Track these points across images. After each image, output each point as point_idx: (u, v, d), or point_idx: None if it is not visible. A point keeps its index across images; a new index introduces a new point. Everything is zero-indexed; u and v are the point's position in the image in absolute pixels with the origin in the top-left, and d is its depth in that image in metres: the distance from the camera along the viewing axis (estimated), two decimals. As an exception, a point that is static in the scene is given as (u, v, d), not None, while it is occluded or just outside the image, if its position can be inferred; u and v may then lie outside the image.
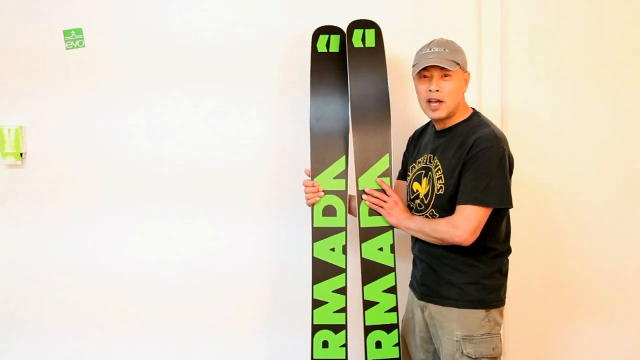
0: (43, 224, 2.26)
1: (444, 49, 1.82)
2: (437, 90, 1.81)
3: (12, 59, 2.20)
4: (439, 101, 1.83)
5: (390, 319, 1.99)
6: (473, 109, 1.92)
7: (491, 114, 2.14)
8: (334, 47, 2.07)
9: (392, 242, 2.00)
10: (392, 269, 1.99)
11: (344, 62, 2.05)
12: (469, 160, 1.76)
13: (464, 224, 1.75)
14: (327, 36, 2.06)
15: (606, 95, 2.33)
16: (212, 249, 2.31)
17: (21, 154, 2.21)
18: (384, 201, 1.97)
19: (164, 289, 2.31)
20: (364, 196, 1.99)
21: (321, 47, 2.06)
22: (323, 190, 2.02)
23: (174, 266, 2.30)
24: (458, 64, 1.81)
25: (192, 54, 2.24)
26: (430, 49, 1.84)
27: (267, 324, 2.34)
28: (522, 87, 2.30)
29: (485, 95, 2.27)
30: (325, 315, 2.00)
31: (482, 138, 1.76)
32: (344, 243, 2.02)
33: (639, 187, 2.37)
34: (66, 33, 2.20)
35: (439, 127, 1.91)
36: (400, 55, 2.18)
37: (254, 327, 2.35)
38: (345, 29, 2.05)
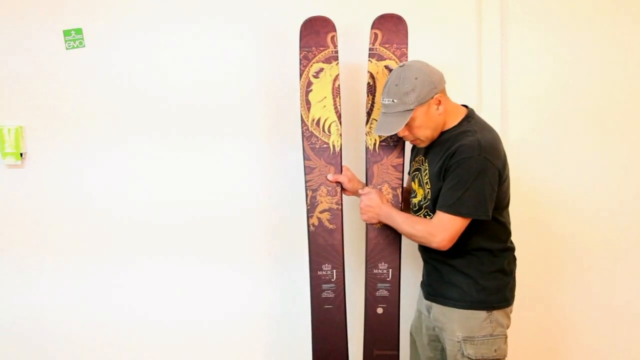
0: (43, 224, 2.26)
1: (393, 100, 1.78)
2: (405, 135, 1.85)
3: (12, 59, 2.20)
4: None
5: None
6: (467, 109, 1.87)
7: (491, 112, 2.14)
8: None
9: None
10: None
11: None
12: (450, 167, 1.76)
13: (440, 231, 1.76)
14: None
15: (609, 94, 2.32)
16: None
17: (21, 154, 2.21)
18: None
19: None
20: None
21: None
22: None
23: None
24: (410, 109, 1.76)
25: (191, 52, 2.25)
26: (383, 100, 1.82)
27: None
28: (522, 85, 2.29)
29: (485, 94, 2.27)
30: None
31: (464, 147, 1.74)
32: None
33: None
34: (66, 33, 2.21)
35: None
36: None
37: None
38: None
